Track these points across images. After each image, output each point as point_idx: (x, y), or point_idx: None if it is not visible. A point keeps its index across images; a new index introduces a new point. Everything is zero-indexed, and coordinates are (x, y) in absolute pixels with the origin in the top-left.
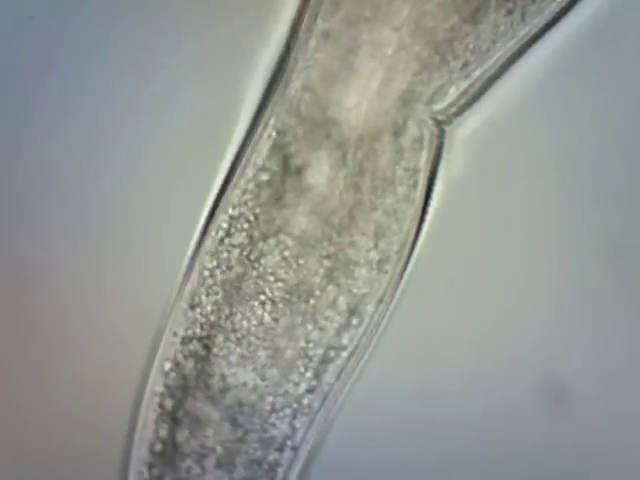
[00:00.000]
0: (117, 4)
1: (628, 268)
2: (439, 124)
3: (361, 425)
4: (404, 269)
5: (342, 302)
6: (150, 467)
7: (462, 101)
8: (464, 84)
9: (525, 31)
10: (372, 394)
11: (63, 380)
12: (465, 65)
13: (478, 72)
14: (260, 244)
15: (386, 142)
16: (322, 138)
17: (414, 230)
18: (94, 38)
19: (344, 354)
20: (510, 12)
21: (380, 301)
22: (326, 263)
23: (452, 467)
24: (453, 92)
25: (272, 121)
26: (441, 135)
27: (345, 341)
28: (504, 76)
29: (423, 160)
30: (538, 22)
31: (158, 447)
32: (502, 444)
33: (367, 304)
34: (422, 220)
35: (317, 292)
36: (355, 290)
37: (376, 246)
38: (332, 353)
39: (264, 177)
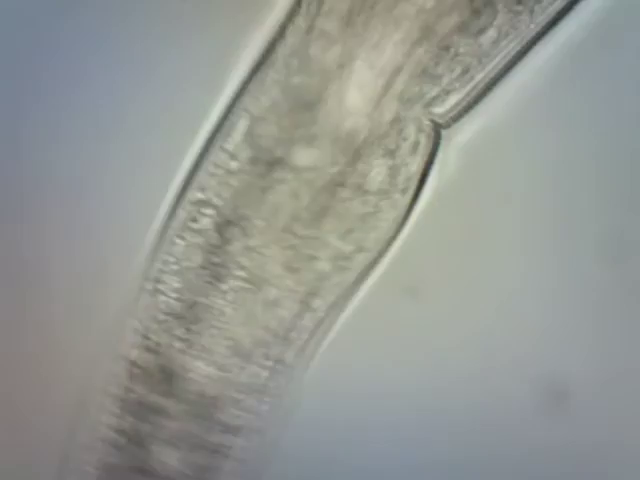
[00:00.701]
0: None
1: (628, 269)
2: (437, 128)
3: (327, 410)
4: (371, 269)
5: (302, 291)
6: (106, 455)
7: (462, 105)
8: (466, 88)
9: (530, 30)
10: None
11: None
12: (466, 69)
13: (480, 75)
14: (225, 231)
15: (377, 143)
16: (304, 132)
17: (392, 234)
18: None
19: (302, 342)
20: (518, 13)
21: (341, 296)
22: (289, 254)
23: (449, 467)
24: (454, 96)
25: (251, 108)
26: (437, 139)
27: (304, 327)
28: (504, 80)
29: (415, 166)
30: (542, 20)
31: (113, 437)
32: (501, 444)
33: (325, 297)
34: (403, 225)
35: (276, 282)
36: (316, 283)
37: (345, 245)
38: (291, 339)
39: (234, 165)
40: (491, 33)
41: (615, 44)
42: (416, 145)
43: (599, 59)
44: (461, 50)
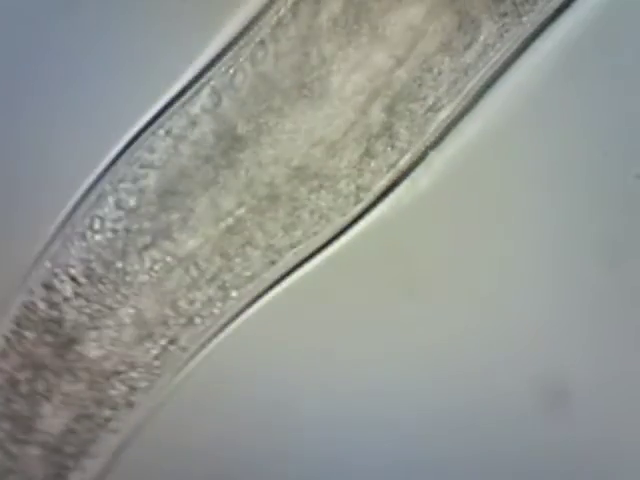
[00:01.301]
0: None
1: (625, 271)
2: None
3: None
4: (299, 266)
5: (224, 279)
6: None
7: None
8: (452, 104)
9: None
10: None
11: None
12: (454, 82)
13: (469, 85)
14: (166, 199)
15: (350, 153)
16: (274, 119)
17: (330, 234)
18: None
19: (204, 328)
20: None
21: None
22: (225, 237)
23: (448, 466)
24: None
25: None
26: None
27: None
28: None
29: (382, 183)
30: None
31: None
32: (500, 442)
33: (246, 285)
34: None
35: (202, 263)
36: (239, 270)
37: (283, 237)
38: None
39: (194, 136)
40: (476, 47)
41: (606, 49)
42: (395, 164)
43: (588, 66)
44: (450, 63)
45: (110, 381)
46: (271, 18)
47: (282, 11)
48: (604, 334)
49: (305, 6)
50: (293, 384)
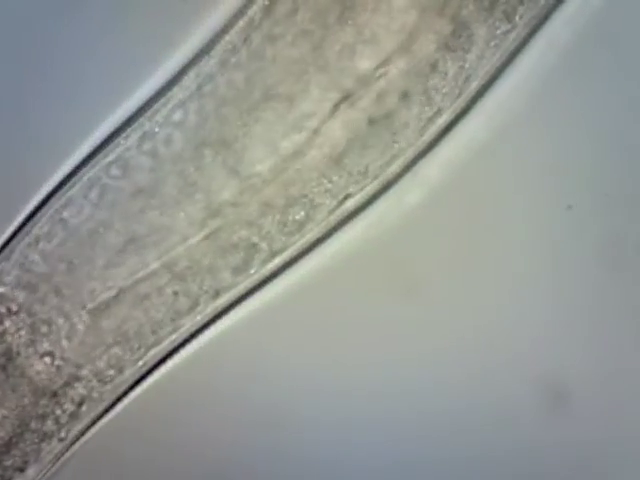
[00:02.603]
0: None
1: (627, 271)
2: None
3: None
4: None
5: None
6: None
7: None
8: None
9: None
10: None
11: None
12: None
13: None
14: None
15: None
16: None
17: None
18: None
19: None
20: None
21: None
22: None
23: (449, 465)
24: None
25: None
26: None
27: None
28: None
29: (353, 201)
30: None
31: None
32: (501, 442)
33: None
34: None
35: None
36: (197, 289)
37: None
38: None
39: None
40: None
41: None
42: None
43: (585, 65)
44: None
45: (55, 394)
46: None
47: None
48: (606, 334)
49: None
50: (292, 385)
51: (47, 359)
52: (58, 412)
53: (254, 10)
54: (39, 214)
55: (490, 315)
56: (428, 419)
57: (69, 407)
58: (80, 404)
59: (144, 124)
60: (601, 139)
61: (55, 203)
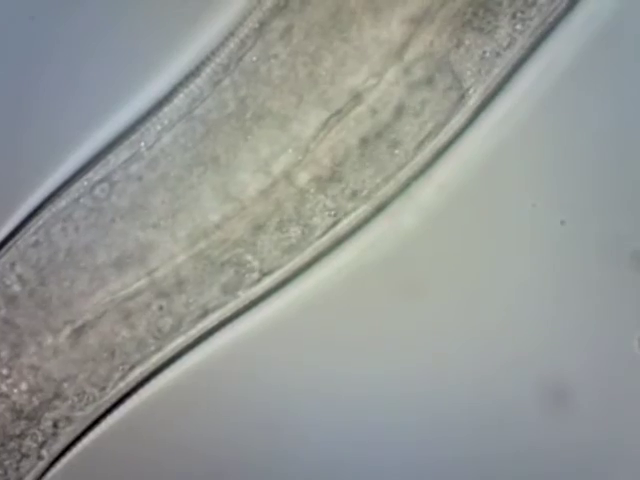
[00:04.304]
0: None
1: (629, 270)
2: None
3: None
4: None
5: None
6: None
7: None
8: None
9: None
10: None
11: None
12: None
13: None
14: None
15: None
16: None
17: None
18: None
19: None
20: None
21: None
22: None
23: (449, 467)
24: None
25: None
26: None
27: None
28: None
29: (347, 221)
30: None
31: None
32: (501, 443)
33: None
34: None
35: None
36: (183, 307)
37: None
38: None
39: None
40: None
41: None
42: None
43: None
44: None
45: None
46: None
47: None
48: (608, 334)
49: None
50: (293, 387)
51: (29, 376)
52: (37, 431)
53: (245, 31)
54: (20, 233)
55: (489, 315)
56: (428, 420)
57: (49, 426)
58: (61, 423)
59: (132, 144)
60: (602, 160)
61: (38, 221)
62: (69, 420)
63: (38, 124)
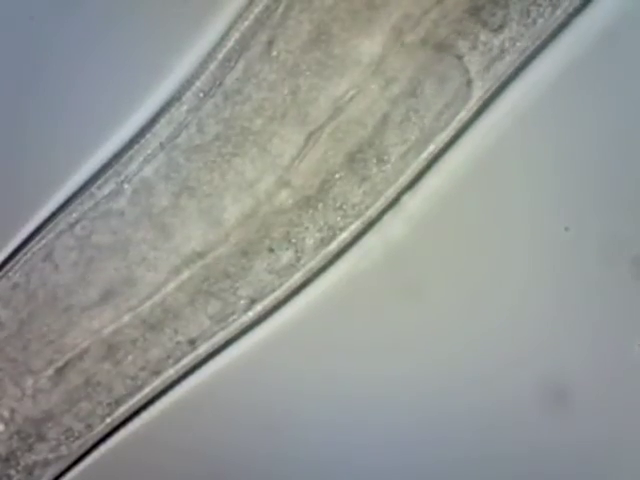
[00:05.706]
0: None
1: (628, 270)
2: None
3: None
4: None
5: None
6: None
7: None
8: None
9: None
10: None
11: None
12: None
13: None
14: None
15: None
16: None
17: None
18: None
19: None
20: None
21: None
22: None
23: (450, 466)
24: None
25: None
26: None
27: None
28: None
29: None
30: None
31: None
32: (501, 443)
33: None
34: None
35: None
36: (170, 340)
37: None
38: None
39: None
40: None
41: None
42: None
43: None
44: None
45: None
46: None
47: None
48: (607, 334)
49: None
50: (295, 388)
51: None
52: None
53: (227, 52)
54: (5, 269)
55: (489, 315)
56: (429, 420)
57: (34, 466)
58: (45, 462)
59: (113, 176)
60: (604, 164)
61: (16, 264)
62: (54, 458)
63: (30, 152)
